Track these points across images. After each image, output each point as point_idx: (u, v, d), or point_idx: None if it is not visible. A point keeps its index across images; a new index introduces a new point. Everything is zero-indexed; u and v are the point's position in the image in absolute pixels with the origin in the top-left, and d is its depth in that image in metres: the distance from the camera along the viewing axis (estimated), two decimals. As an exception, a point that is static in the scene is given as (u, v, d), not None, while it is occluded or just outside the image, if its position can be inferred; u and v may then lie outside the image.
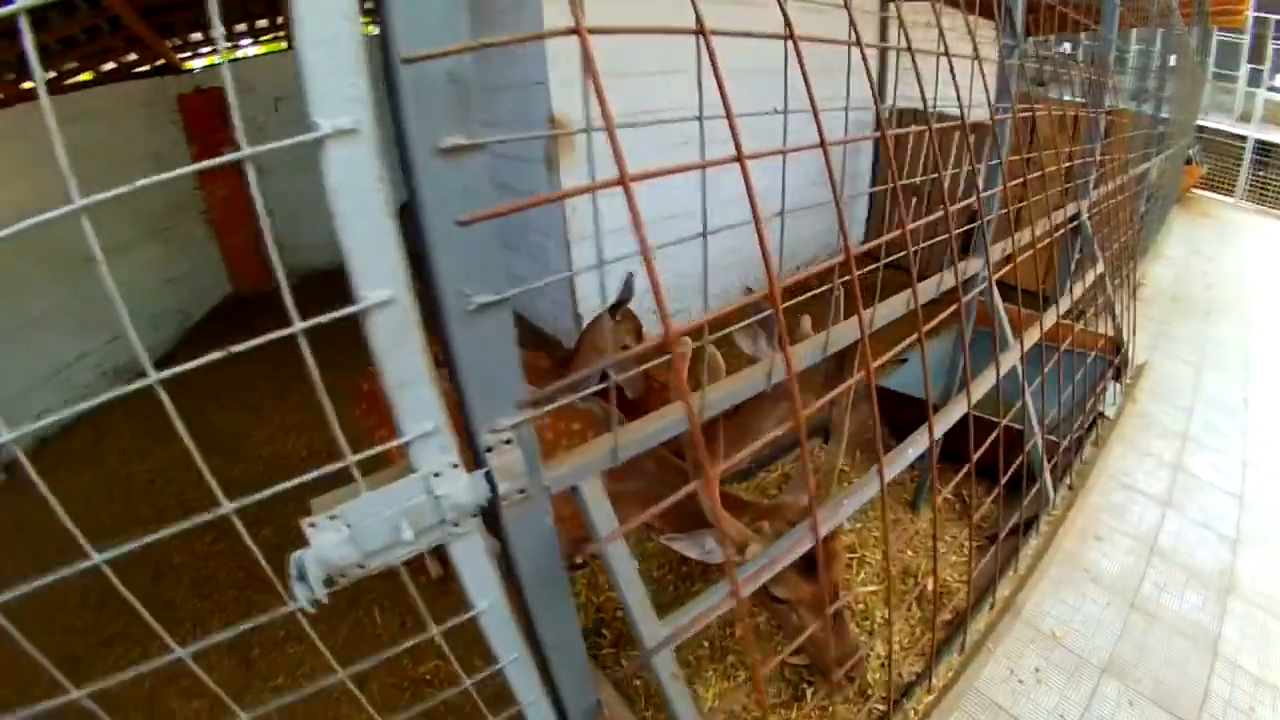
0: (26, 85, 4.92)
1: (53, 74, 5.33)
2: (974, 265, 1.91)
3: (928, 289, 1.66)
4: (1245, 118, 13.60)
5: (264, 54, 7.56)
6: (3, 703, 2.38)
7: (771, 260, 0.91)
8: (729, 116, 0.87)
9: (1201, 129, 12.94)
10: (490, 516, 1.02)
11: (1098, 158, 2.77)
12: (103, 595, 2.87)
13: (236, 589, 3.03)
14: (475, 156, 0.79)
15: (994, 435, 1.78)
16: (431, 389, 0.89)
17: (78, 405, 0.84)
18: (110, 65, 5.83)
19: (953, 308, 1.47)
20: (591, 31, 0.74)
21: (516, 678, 1.19)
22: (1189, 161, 10.53)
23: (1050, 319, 2.20)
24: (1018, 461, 2.14)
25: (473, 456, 0.97)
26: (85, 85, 5.63)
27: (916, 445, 1.51)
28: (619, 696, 1.32)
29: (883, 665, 2.10)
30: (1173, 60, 7.21)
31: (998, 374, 1.77)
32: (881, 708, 1.81)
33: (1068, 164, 2.69)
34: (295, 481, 0.82)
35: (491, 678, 1.10)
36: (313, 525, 0.84)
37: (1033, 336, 2.06)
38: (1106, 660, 2.36)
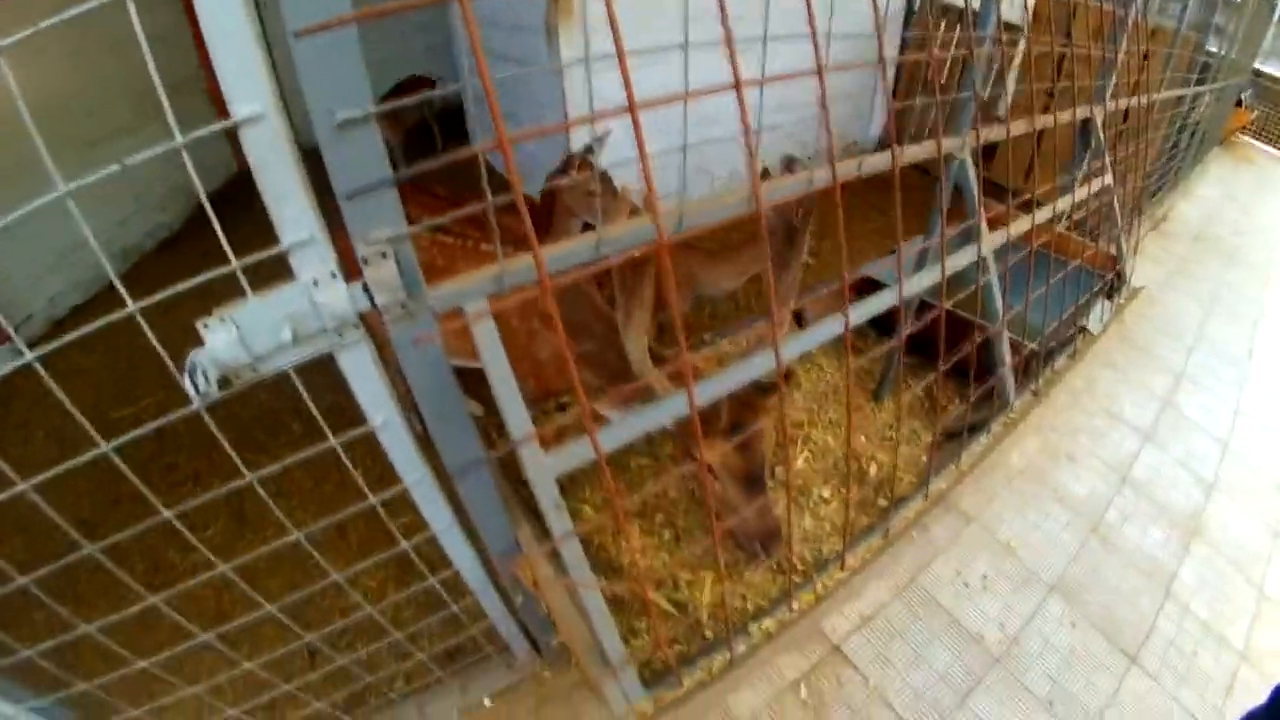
0: None
1: None
2: (950, 144, 1.79)
3: (906, 154, 1.55)
4: (1307, 67, 12.76)
5: None
6: (22, 561, 2.53)
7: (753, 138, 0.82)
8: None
9: (1259, 73, 12.16)
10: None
11: (1118, 62, 2.55)
12: (111, 462, 3.00)
13: (235, 448, 3.16)
14: None
15: (930, 314, 1.68)
16: (306, 200, 0.93)
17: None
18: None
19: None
20: None
21: (423, 500, 1.29)
22: (1239, 104, 9.91)
23: (1037, 220, 2.07)
24: (974, 364, 2.06)
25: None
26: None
27: (880, 301, 1.46)
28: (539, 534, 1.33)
29: (804, 540, 2.10)
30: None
31: (979, 262, 1.66)
32: (798, 580, 1.81)
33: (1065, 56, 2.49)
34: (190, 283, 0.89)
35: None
36: (206, 326, 0.93)
37: (1014, 233, 1.95)
38: (1057, 579, 2.35)
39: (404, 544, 1.31)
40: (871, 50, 5.53)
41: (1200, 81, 5.30)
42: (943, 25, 4.44)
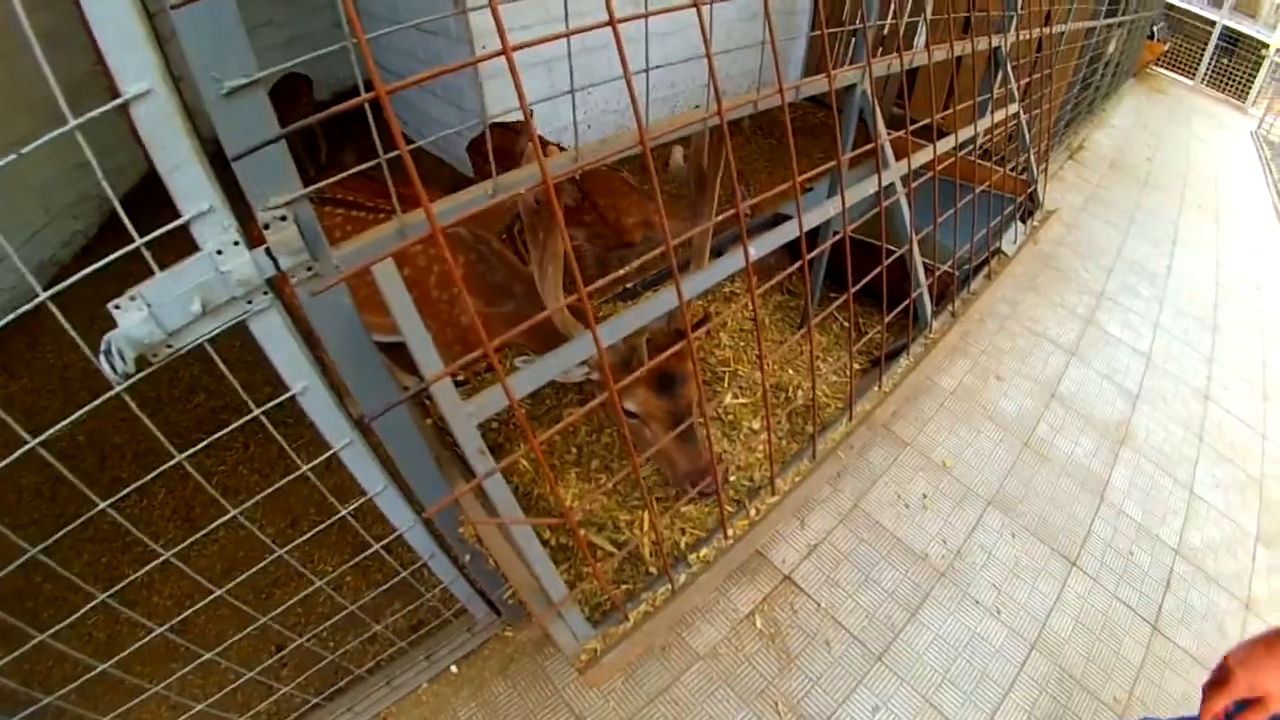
0: None
1: None
2: (850, 76, 1.83)
3: (802, 88, 1.58)
4: (1217, 3, 13.24)
5: None
6: None
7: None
8: None
9: (1171, 7, 12.59)
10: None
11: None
12: (54, 485, 2.92)
13: (178, 458, 3.11)
14: None
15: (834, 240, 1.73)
16: (201, 170, 0.93)
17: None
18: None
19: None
20: None
21: (354, 463, 1.29)
22: (1151, 36, 10.26)
23: (943, 147, 2.14)
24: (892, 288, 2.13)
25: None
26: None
27: (783, 235, 1.50)
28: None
29: (738, 469, 2.17)
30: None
31: (880, 188, 1.71)
32: (731, 509, 1.87)
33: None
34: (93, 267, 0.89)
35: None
36: (117, 307, 0.93)
37: (921, 160, 2.00)
38: (994, 493, 2.46)
39: (342, 510, 1.31)
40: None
41: (1113, 13, 5.45)
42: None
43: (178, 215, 0.93)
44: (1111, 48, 6.06)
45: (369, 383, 1.17)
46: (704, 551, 1.73)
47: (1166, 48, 11.89)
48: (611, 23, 1.01)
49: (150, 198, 0.92)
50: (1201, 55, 13.02)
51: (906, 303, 2.07)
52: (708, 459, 1.56)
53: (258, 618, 1.53)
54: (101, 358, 0.94)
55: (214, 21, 0.85)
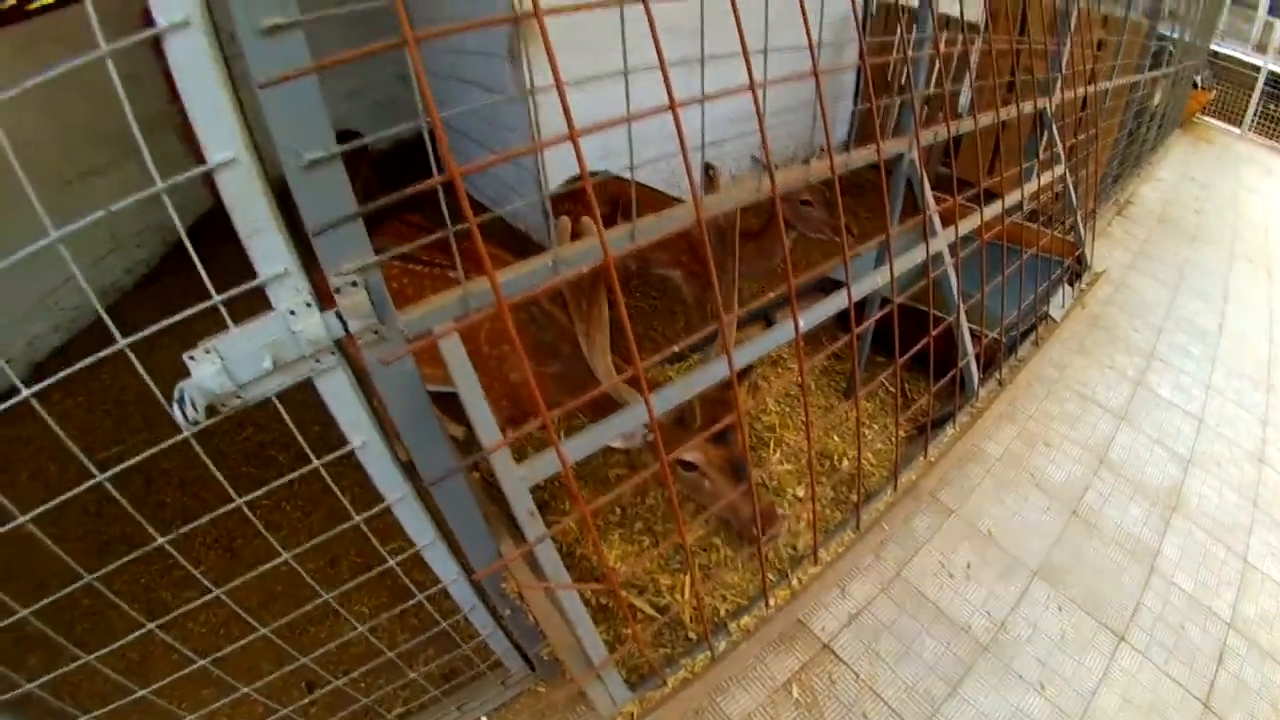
0: None
1: (11, 1, 5.10)
2: (898, 145, 1.85)
3: (851, 159, 1.61)
4: (1261, 48, 13.06)
5: None
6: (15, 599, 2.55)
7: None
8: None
9: (1215, 54, 12.45)
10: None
11: (1065, 54, 2.63)
12: (100, 503, 2.96)
13: (222, 486, 3.19)
14: (293, 33, 0.90)
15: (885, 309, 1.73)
16: (279, 235, 0.99)
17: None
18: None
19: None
20: None
21: (406, 517, 1.33)
22: (1196, 85, 10.14)
23: (991, 213, 2.14)
24: (942, 359, 2.11)
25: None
26: (48, 9, 5.38)
27: (833, 306, 1.50)
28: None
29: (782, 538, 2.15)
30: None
31: (928, 256, 1.71)
32: (773, 577, 1.84)
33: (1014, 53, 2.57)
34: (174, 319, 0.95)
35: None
36: (192, 358, 0.99)
37: (968, 227, 2.00)
38: (1040, 563, 2.39)
39: (389, 561, 1.34)
40: (832, 57, 5.65)
41: (1156, 66, 5.42)
42: (899, 28, 4.53)
43: (237, 251, 0.97)
44: (1157, 100, 6.01)
45: (428, 445, 1.21)
46: (745, 620, 1.72)
47: (1212, 96, 11.75)
48: (672, 107, 1.04)
49: (210, 233, 0.97)
50: (1248, 102, 12.81)
51: (954, 372, 2.05)
52: (769, 502, 1.56)
53: (297, 656, 1.55)
54: (175, 405, 1.00)
55: (298, 100, 0.92)
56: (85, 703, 1.50)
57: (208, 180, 0.95)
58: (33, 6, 5.34)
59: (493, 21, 0.92)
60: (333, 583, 2.66)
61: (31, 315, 4.57)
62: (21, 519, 1.08)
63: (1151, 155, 6.99)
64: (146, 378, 0.99)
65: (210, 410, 1.03)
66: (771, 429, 2.46)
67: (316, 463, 1.16)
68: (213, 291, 0.98)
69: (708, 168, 2.14)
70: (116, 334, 0.98)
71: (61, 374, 1.03)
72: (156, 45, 0.91)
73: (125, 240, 5.53)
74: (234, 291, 0.99)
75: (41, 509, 1.09)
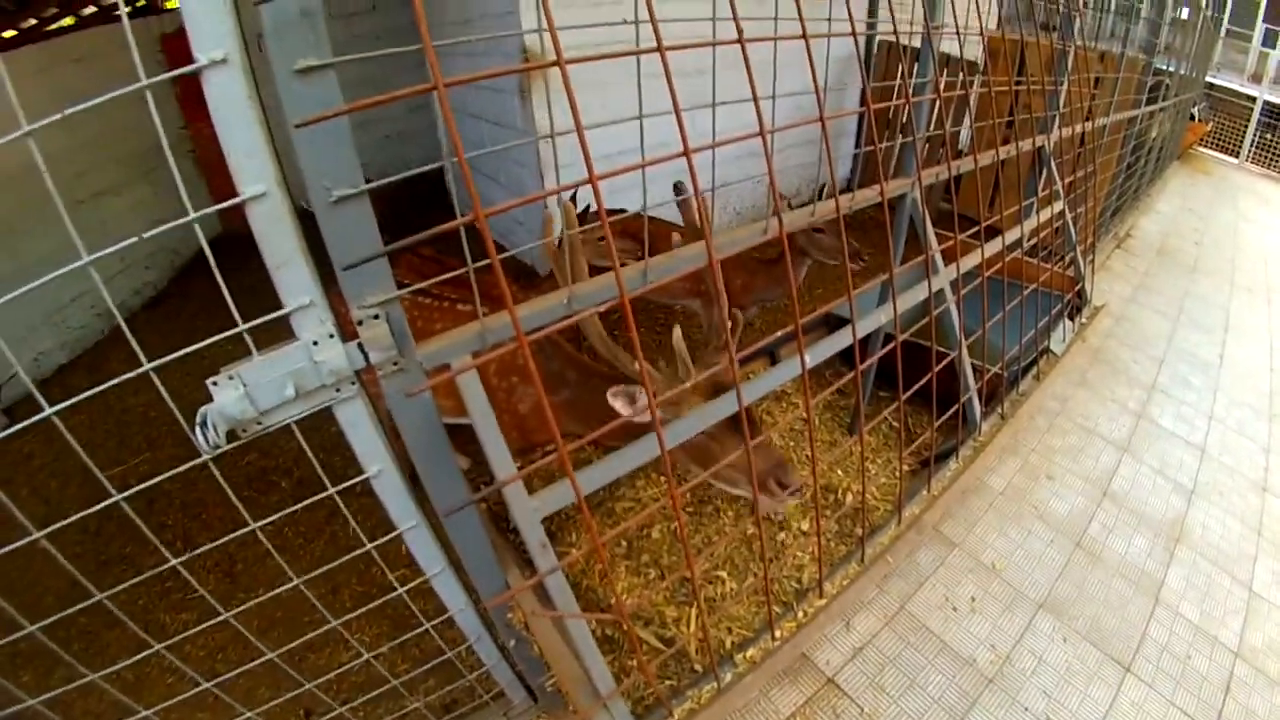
0: (8, 34, 4.83)
1: (32, 21, 5.23)
2: (901, 185, 1.89)
3: (856, 199, 1.65)
4: (1256, 78, 13.27)
5: None
6: (9, 622, 2.53)
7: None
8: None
9: (1211, 86, 12.64)
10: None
11: (1063, 92, 2.69)
12: (100, 522, 3.00)
13: (222, 509, 3.15)
14: (326, 74, 0.95)
15: (889, 346, 1.75)
16: (306, 268, 1.03)
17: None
18: (90, 9, 5.70)
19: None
20: None
21: (417, 546, 1.35)
22: (1193, 118, 10.29)
23: (992, 249, 2.18)
24: (938, 390, 2.13)
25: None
26: (67, 30, 5.51)
27: (838, 343, 1.53)
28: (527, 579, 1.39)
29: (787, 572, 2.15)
30: (1183, 13, 6.99)
31: (930, 293, 1.74)
32: (778, 610, 1.85)
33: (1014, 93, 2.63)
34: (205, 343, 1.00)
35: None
36: (215, 383, 1.02)
37: (970, 264, 2.04)
38: (1044, 596, 2.38)
39: (399, 589, 1.35)
40: (835, 97, 5.74)
41: (1153, 99, 5.51)
42: (901, 68, 4.62)
43: (243, 278, 0.99)
44: (1154, 133, 6.10)
45: (442, 477, 1.23)
46: (750, 652, 1.72)
47: (1209, 128, 11.90)
48: (685, 153, 1.08)
49: (217, 258, 0.99)
50: (1244, 132, 12.98)
51: (956, 407, 2.07)
52: (780, 455, 1.57)
53: (302, 682, 1.55)
54: (197, 429, 1.03)
55: (329, 138, 0.96)
56: (79, 720, 1.51)
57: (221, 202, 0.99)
58: (53, 27, 5.48)
59: (521, 70, 0.96)
60: (333, 609, 2.66)
61: (39, 332, 4.62)
62: (37, 534, 1.09)
63: (1150, 187, 7.07)
64: (170, 402, 1.01)
65: (230, 435, 1.06)
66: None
67: (331, 490, 1.18)
68: (239, 320, 1.00)
69: (677, 186, 2.21)
70: (142, 358, 1.00)
71: (88, 393, 1.05)
72: (170, 69, 0.95)
73: (135, 262, 5.60)
74: (259, 321, 1.02)
75: (59, 525, 1.11)
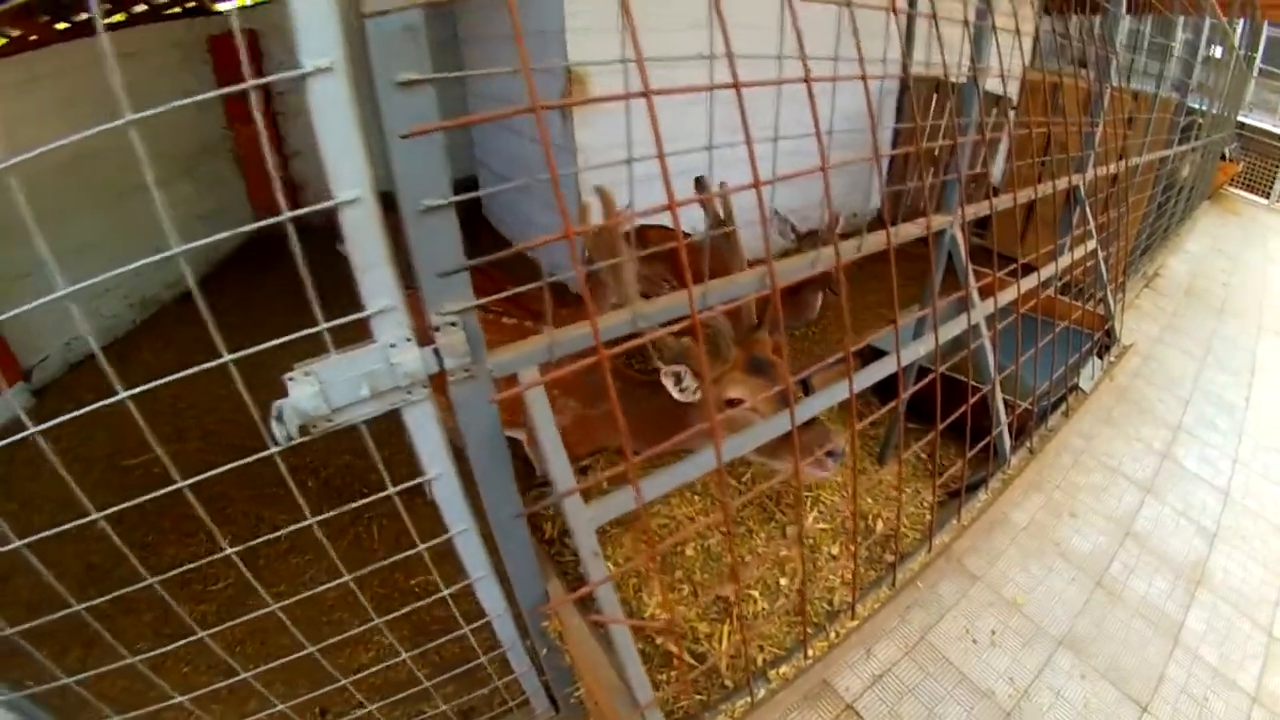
0: (60, 26, 4.98)
1: (84, 15, 5.38)
2: (942, 220, 1.93)
3: (899, 233, 1.69)
4: (1289, 118, 13.16)
5: None
6: (28, 601, 2.60)
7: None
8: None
9: (1242, 126, 12.56)
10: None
11: (1098, 133, 2.73)
12: (121, 510, 3.03)
13: (246, 504, 3.20)
14: (425, 89, 0.98)
15: (926, 379, 1.78)
16: (389, 272, 1.07)
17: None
18: (141, 7, 5.87)
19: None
20: None
21: (466, 549, 1.37)
22: (1224, 157, 10.22)
23: (1026, 285, 2.21)
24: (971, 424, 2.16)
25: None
26: (118, 26, 5.68)
27: (879, 369, 1.56)
28: (564, 589, 1.42)
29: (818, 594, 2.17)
30: (1216, 52, 6.98)
31: (970, 328, 1.78)
32: (810, 630, 1.88)
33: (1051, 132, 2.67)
34: (274, 342, 1.02)
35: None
36: (291, 379, 1.04)
37: (1005, 300, 2.07)
38: (1064, 633, 2.39)
39: (444, 590, 1.38)
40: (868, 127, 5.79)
41: (1185, 139, 5.51)
42: (933, 102, 4.67)
43: (279, 274, 1.02)
44: (1185, 173, 6.09)
45: (501, 484, 1.27)
46: (783, 669, 1.76)
47: (1240, 168, 11.81)
48: (756, 184, 1.13)
49: (251, 257, 1.02)
50: (1275, 173, 12.85)
51: (988, 440, 2.10)
52: (821, 423, 1.59)
53: (337, 677, 1.57)
54: (273, 423, 1.06)
55: (424, 150, 1.00)
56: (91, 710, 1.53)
57: (259, 205, 1.02)
58: (104, 23, 5.62)
59: (608, 99, 1.01)
60: (354, 609, 2.68)
61: (71, 317, 4.74)
62: (97, 515, 1.13)
63: (1179, 227, 7.04)
64: (248, 397, 1.04)
65: (301, 430, 1.08)
66: (809, 489, 2.52)
67: (392, 490, 1.20)
68: (320, 319, 1.04)
69: (699, 182, 2.25)
70: (223, 349, 1.04)
71: (80, 410, 1.09)
72: (222, 72, 0.98)
73: (172, 258, 5.73)
74: (339, 321, 1.05)
75: (121, 507, 1.14)
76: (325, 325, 1.03)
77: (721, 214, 1.86)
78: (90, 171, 4.37)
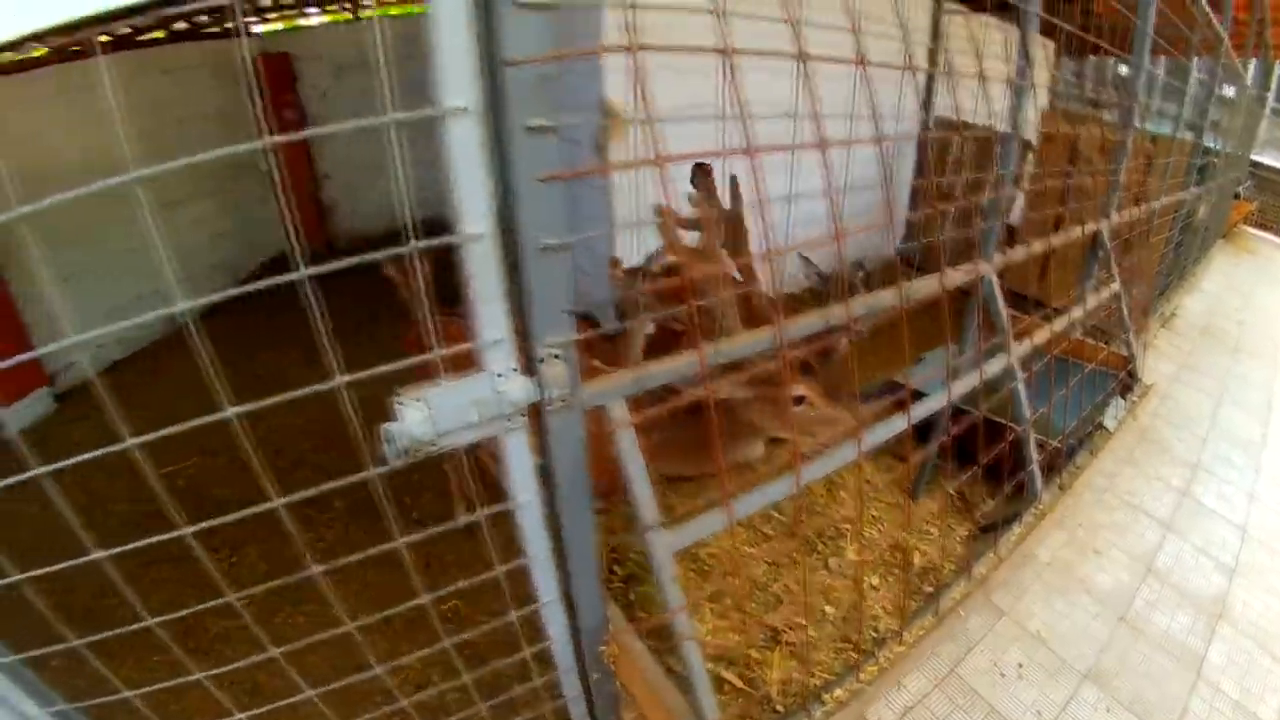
0: (102, 38, 5.14)
1: (126, 29, 5.53)
2: (980, 267, 2.02)
3: (934, 282, 1.78)
4: (1302, 156, 13.23)
5: (330, 22, 7.76)
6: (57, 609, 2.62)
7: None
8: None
9: (1256, 165, 12.64)
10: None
11: (1121, 178, 2.83)
12: (144, 518, 3.02)
13: (273, 520, 3.27)
14: (551, 135, 1.06)
15: (967, 420, 1.86)
16: (505, 307, 1.13)
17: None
18: (182, 25, 6.04)
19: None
20: (642, 48, 1.04)
21: (540, 575, 1.40)
22: (1238, 196, 10.30)
23: (1054, 328, 2.30)
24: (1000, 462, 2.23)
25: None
26: (157, 43, 5.86)
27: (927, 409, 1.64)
28: (624, 617, 1.49)
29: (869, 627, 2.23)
30: (1229, 91, 7.10)
31: (1008, 370, 1.86)
32: (856, 655, 1.95)
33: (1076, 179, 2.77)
34: (389, 367, 1.06)
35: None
36: (401, 403, 1.09)
37: (1031, 343, 2.16)
38: (1090, 667, 2.43)
39: (514, 614, 1.40)
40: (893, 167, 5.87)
41: (1200, 179, 5.59)
42: (954, 141, 4.77)
43: (299, 296, 1.03)
44: (1202, 213, 6.18)
45: (580, 510, 1.34)
46: (837, 693, 1.82)
47: (1254, 207, 11.88)
48: (838, 237, 1.22)
49: (281, 270, 1.01)
50: (1290, 210, 12.89)
51: (1020, 477, 2.17)
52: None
53: (399, 697, 1.59)
54: (385, 444, 1.10)
55: (547, 192, 1.08)
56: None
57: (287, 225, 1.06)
58: (144, 38, 5.78)
59: (715, 155, 1.11)
60: (383, 633, 2.63)
61: (99, 326, 4.85)
62: (184, 530, 1.17)
63: (1195, 266, 7.10)
64: (349, 409, 1.05)
65: (404, 453, 1.11)
66: (850, 522, 2.59)
67: (480, 514, 1.25)
68: (435, 345, 1.08)
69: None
70: (337, 372, 1.05)
71: (81, 457, 1.06)
72: (271, 96, 1.01)
73: (197, 274, 5.86)
74: (452, 350, 1.10)
75: (201, 524, 1.16)
76: (438, 354, 1.08)
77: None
78: (124, 187, 4.49)
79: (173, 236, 5.13)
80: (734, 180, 2.60)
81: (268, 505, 1.20)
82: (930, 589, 2.05)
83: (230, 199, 6.36)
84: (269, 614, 2.70)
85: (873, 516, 2.66)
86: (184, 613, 1.25)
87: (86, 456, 1.03)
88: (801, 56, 1.16)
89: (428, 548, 2.76)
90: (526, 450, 1.24)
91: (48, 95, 4.66)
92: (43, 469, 1.02)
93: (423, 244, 1.05)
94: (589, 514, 1.35)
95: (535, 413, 1.21)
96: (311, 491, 1.18)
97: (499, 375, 1.13)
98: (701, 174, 3.00)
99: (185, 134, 5.61)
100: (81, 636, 1.26)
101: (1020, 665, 2.37)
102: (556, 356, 1.17)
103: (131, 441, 1.12)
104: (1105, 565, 2.89)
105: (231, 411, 1.11)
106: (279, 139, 0.97)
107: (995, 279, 2.06)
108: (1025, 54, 2.04)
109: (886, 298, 1.55)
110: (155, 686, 1.36)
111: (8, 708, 1.31)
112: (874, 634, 2.20)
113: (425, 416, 1.09)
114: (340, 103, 7.50)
